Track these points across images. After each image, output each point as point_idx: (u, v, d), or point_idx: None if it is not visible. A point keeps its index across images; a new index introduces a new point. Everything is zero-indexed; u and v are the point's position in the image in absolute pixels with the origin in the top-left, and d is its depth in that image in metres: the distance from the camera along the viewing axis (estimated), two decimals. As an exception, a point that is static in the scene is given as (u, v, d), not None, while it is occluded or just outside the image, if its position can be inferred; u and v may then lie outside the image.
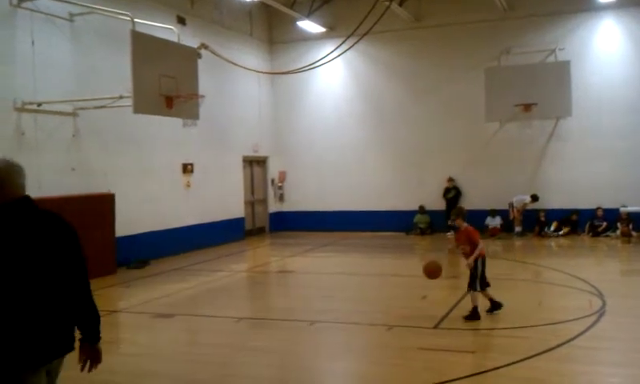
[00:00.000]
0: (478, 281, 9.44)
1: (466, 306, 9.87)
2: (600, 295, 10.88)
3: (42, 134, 13.89)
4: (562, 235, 19.68)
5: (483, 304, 9.58)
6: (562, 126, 20.26)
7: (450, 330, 9.13)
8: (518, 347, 8.02)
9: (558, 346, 8.05)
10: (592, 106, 19.80)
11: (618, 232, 18.95)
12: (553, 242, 18.96)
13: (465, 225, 9.60)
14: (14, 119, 13.30)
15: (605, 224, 19.32)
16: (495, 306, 9.63)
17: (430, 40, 21.73)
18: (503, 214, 20.37)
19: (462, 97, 21.25)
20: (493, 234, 20.08)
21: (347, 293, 12.55)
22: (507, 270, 14.97)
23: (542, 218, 20.04)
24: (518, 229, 20.03)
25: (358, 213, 22.60)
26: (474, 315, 9.42)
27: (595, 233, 19.32)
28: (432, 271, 9.58)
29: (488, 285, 9.61)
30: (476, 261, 9.43)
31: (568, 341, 8.25)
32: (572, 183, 20.10)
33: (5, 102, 13.15)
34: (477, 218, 20.58)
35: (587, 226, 19.62)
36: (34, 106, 13.63)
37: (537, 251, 17.57)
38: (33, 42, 13.69)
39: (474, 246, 9.44)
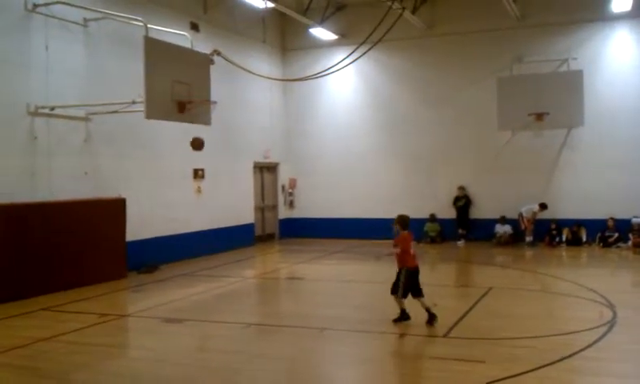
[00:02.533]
0: (401, 289, 9.82)
1: (477, 315, 10.06)
2: (611, 306, 10.82)
3: (55, 138, 13.98)
4: (565, 242, 19.69)
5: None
6: (574, 135, 20.16)
7: (461, 339, 9.10)
8: (528, 357, 7.98)
9: (569, 356, 8.00)
10: (604, 116, 19.69)
11: (630, 243, 18.83)
12: (564, 253, 18.86)
13: (404, 232, 9.97)
14: (27, 123, 13.39)
15: (616, 235, 19.19)
16: (404, 317, 9.93)
17: (442, 48, 21.72)
18: (513, 223, 20.32)
19: (474, 105, 21.23)
20: (500, 242, 20.11)
21: (357, 300, 12.52)
22: (517, 279, 14.92)
23: (554, 228, 19.95)
24: (528, 238, 19.94)
25: (368, 220, 22.54)
26: (402, 317, 9.88)
27: (606, 243, 19.21)
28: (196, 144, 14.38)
29: (405, 297, 9.91)
30: (401, 270, 9.85)
31: (578, 351, 8.21)
32: (583, 193, 20.01)
33: (18, 105, 13.25)
34: (487, 226, 20.72)
35: (598, 236, 19.52)
36: (47, 111, 13.73)
37: (547, 261, 17.46)
38: (47, 47, 13.82)
39: (402, 248, 9.87)
